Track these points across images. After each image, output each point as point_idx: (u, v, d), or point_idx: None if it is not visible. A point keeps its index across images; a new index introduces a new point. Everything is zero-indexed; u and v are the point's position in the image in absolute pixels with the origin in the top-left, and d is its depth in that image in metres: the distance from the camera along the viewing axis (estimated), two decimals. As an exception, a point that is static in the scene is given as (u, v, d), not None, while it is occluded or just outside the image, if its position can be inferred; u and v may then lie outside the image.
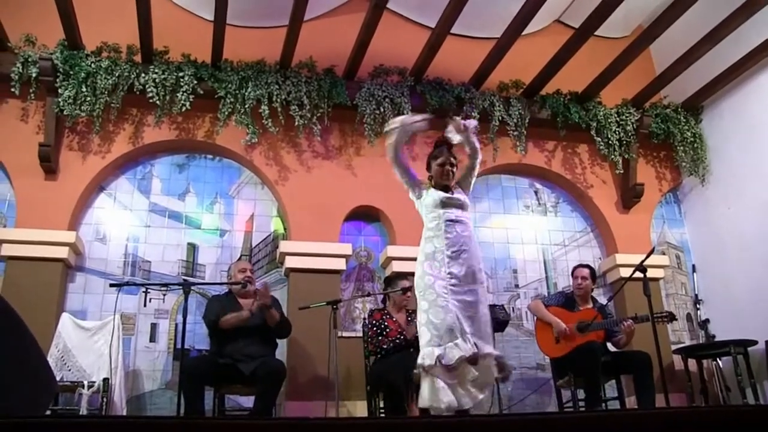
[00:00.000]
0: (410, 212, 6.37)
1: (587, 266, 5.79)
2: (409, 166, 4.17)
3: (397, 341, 5.10)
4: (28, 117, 6.04)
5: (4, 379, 1.87)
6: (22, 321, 1.97)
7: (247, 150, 6.36)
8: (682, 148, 7.08)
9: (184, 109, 6.01)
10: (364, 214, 6.65)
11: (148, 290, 5.35)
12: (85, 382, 5.06)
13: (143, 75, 6.04)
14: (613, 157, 6.92)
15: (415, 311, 5.35)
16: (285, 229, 6.46)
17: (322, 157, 6.55)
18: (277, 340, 5.28)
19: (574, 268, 5.78)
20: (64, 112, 5.82)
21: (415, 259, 6.13)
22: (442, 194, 4.03)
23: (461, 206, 4.05)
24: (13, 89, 5.75)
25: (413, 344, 5.17)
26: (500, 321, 5.70)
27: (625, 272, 6.22)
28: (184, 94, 6.01)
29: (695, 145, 7.11)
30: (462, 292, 3.80)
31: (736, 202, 6.76)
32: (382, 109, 6.34)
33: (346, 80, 6.49)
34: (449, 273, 3.82)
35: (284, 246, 6.22)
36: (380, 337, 5.16)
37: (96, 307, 5.85)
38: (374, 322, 5.26)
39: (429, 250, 3.95)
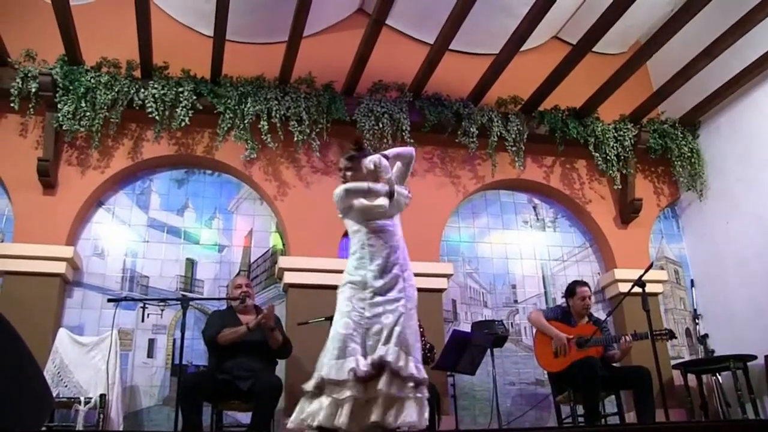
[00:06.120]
0: (409, 227, 6.46)
1: (587, 284, 5.77)
2: None
3: None
4: (27, 132, 6.05)
5: (0, 394, 1.86)
6: (18, 336, 1.96)
7: (246, 165, 6.38)
8: (679, 163, 7.10)
9: (183, 124, 6.02)
10: (363, 230, 6.62)
11: (146, 305, 5.32)
12: (82, 398, 5.01)
13: (143, 90, 6.04)
14: (611, 172, 6.93)
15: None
16: (284, 244, 6.45)
17: (321, 173, 6.55)
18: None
19: (575, 286, 5.70)
20: (63, 127, 5.82)
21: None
22: None
23: None
24: (12, 104, 5.75)
25: None
26: (499, 336, 5.71)
27: (624, 287, 6.20)
28: (184, 109, 6.02)
29: (693, 160, 7.12)
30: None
31: (735, 217, 6.76)
32: (381, 125, 6.36)
33: (345, 96, 6.51)
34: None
35: (283, 261, 6.21)
36: None
37: (93, 322, 5.82)
38: None
39: None
